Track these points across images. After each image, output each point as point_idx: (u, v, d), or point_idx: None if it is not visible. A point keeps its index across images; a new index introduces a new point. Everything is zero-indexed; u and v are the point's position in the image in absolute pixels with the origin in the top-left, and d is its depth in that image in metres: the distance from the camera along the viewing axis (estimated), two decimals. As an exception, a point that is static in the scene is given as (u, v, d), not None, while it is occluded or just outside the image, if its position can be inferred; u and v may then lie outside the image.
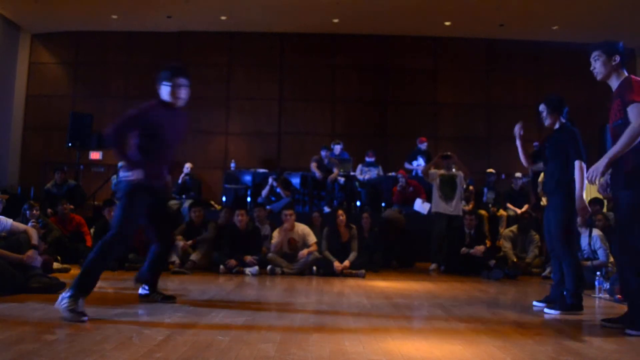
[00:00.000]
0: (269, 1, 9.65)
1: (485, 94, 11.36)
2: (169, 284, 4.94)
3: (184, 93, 3.37)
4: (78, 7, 9.92)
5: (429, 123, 11.15)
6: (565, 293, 3.75)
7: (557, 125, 3.91)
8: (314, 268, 6.01)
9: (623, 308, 3.40)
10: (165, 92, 3.36)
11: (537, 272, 6.65)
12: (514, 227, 7.14)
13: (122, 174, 3.30)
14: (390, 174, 9.29)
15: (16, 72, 10.79)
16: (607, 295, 4.66)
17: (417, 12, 9.99)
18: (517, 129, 4.10)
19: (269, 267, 5.95)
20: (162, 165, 3.42)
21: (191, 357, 2.18)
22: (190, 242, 6.24)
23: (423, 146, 9.64)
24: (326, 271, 5.96)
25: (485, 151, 11.04)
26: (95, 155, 10.73)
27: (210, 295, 4.16)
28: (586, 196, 9.32)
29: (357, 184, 9.09)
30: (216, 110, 11.20)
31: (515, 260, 6.72)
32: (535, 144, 8.73)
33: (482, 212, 8.11)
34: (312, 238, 6.26)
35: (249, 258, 5.98)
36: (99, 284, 4.66)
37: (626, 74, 3.18)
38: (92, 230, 6.80)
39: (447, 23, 10.51)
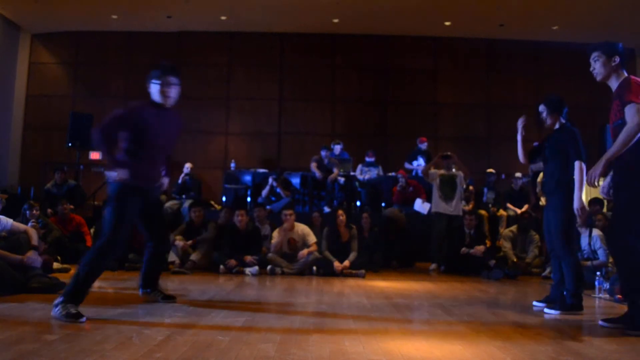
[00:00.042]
0: (269, 1, 9.66)
1: (485, 94, 11.36)
2: (169, 284, 4.93)
3: (173, 92, 3.31)
4: (78, 7, 9.93)
5: (429, 123, 11.16)
6: (565, 293, 3.75)
7: (557, 126, 3.92)
8: (314, 268, 6.01)
9: (623, 308, 3.40)
10: (154, 91, 3.29)
11: (537, 272, 6.65)
12: (513, 227, 7.14)
13: (107, 174, 3.28)
14: (390, 174, 9.29)
15: (16, 72, 10.79)
16: (607, 295, 4.66)
17: (417, 12, 9.99)
18: (520, 122, 4.08)
19: (269, 267, 5.95)
20: (151, 166, 3.34)
21: (191, 357, 2.18)
22: (190, 242, 6.24)
23: (423, 146, 9.64)
24: (326, 271, 5.96)
25: (485, 151, 11.04)
26: (95, 155, 10.72)
27: (210, 295, 4.16)
28: (586, 196, 9.34)
29: (357, 184, 9.09)
30: (216, 110, 11.21)
31: (515, 260, 6.73)
32: (535, 144, 8.72)
33: (482, 212, 8.11)
34: (312, 238, 6.26)
35: (249, 258, 5.98)
36: (99, 283, 4.67)
37: (626, 74, 3.19)
38: (92, 230, 6.81)
39: (447, 23, 10.51)
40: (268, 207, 7.76)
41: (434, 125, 11.21)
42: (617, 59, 3.18)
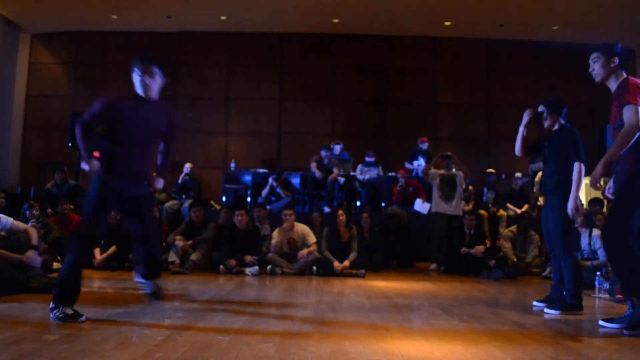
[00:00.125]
0: (269, 1, 9.65)
1: (485, 94, 11.36)
2: (169, 284, 4.94)
3: (152, 82, 3.14)
4: (78, 7, 9.92)
5: (429, 123, 11.15)
6: (565, 293, 3.76)
7: (556, 126, 3.93)
8: (314, 268, 6.01)
9: (623, 308, 3.40)
10: (136, 82, 3.16)
11: (537, 272, 6.65)
12: (513, 227, 7.14)
13: (82, 166, 3.22)
14: (390, 174, 9.28)
15: (16, 72, 10.79)
16: (607, 295, 4.66)
17: (417, 12, 9.98)
18: (527, 114, 4.06)
19: (269, 267, 5.95)
20: (130, 161, 3.12)
21: (191, 357, 2.18)
22: (190, 242, 6.24)
23: (424, 146, 9.64)
24: (326, 271, 5.96)
25: (485, 151, 11.04)
26: (95, 155, 10.71)
27: (210, 295, 4.17)
28: (586, 196, 9.34)
29: (357, 184, 9.09)
30: (216, 110, 11.20)
31: (515, 260, 6.73)
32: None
33: (482, 212, 8.11)
34: (312, 238, 6.26)
35: (249, 258, 5.98)
36: (99, 283, 4.67)
37: (625, 75, 3.19)
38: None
39: (447, 23, 10.50)
40: (268, 207, 7.76)
41: (434, 125, 11.20)
42: (617, 60, 3.18)
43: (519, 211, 7.91)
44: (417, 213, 8.06)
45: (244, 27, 11.03)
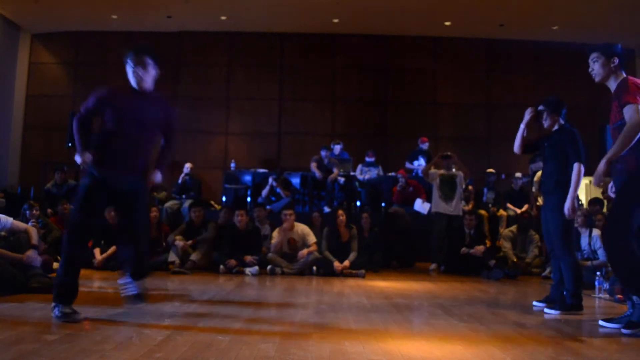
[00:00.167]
0: (269, 1, 9.65)
1: (485, 94, 11.36)
2: (169, 284, 4.94)
3: (145, 74, 3.08)
4: (78, 7, 9.92)
5: (429, 123, 11.15)
6: (565, 293, 3.76)
7: (556, 127, 3.93)
8: (314, 268, 6.01)
9: (623, 308, 3.40)
10: (129, 74, 3.11)
11: (537, 272, 6.65)
12: (513, 227, 7.14)
13: (75, 158, 3.12)
14: (390, 174, 9.28)
15: (16, 72, 10.79)
16: (607, 295, 4.66)
17: (417, 12, 9.98)
18: (529, 112, 4.05)
19: (269, 267, 5.95)
20: (121, 154, 3.06)
21: (191, 357, 2.18)
22: (190, 242, 6.24)
23: (425, 146, 9.64)
24: (326, 271, 5.96)
25: (485, 151, 11.03)
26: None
27: (210, 295, 4.17)
28: (586, 196, 9.32)
29: (357, 184, 9.09)
30: (216, 110, 11.20)
31: (515, 260, 6.73)
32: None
33: (482, 212, 8.11)
34: (311, 238, 6.26)
35: (249, 258, 5.98)
36: (99, 283, 4.67)
37: (624, 75, 3.19)
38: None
39: (447, 23, 10.50)
40: (268, 207, 7.76)
41: (434, 125, 11.20)
42: (616, 60, 3.18)
43: (519, 211, 7.92)
44: (417, 213, 8.06)
45: (244, 27, 11.03)
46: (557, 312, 3.67)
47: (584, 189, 10.77)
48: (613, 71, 3.19)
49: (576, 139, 3.76)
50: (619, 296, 4.37)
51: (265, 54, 11.35)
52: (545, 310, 3.76)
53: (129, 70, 3.11)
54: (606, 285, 4.76)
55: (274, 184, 8.30)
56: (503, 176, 9.97)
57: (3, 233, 4.19)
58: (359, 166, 9.40)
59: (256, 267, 5.90)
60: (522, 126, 4.08)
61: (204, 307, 3.55)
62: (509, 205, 8.31)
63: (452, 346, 2.58)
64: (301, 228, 6.36)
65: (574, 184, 3.66)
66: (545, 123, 3.95)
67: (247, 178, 9.40)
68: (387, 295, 4.41)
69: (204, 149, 10.92)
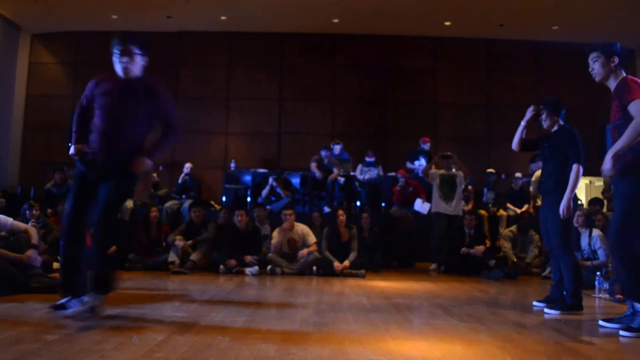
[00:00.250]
0: (269, 1, 9.65)
1: (485, 94, 11.36)
2: (169, 284, 4.95)
3: (130, 63, 3.03)
4: (78, 7, 9.92)
5: (429, 123, 11.15)
6: (565, 293, 3.76)
7: (555, 127, 3.93)
8: (314, 268, 6.01)
9: (623, 308, 3.40)
10: (115, 62, 3.06)
11: (537, 272, 6.65)
12: (513, 227, 7.14)
13: (71, 151, 3.18)
14: (390, 174, 9.28)
15: (16, 72, 10.79)
16: (607, 295, 4.66)
17: (417, 12, 9.99)
18: (530, 110, 4.04)
19: (269, 267, 5.95)
20: (103, 141, 3.03)
21: (191, 357, 2.18)
22: (190, 242, 6.24)
23: (426, 146, 9.64)
24: (326, 271, 5.96)
25: (485, 151, 11.03)
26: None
27: (210, 295, 4.17)
28: (586, 196, 9.31)
29: (357, 184, 9.09)
30: (216, 110, 11.20)
31: (515, 260, 6.73)
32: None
33: (482, 212, 8.11)
34: (311, 238, 6.26)
35: (249, 258, 5.98)
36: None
37: (624, 74, 3.19)
38: (92, 229, 6.78)
39: (447, 23, 10.51)
40: (268, 207, 7.76)
41: (434, 125, 11.20)
42: (616, 60, 3.18)
43: (519, 211, 7.92)
44: (417, 213, 8.07)
45: (244, 27, 11.03)
46: (557, 312, 3.67)
47: (584, 189, 10.78)
48: (613, 70, 3.19)
49: (576, 140, 3.76)
50: (619, 296, 4.36)
51: (265, 54, 11.35)
52: (545, 310, 3.76)
53: (115, 59, 3.05)
54: (606, 285, 4.76)
55: (274, 184, 8.30)
56: (503, 176, 9.97)
57: (3, 233, 4.19)
58: (359, 166, 9.40)
59: (256, 267, 5.90)
60: (522, 123, 4.07)
61: (204, 307, 3.55)
62: (509, 205, 8.31)
63: (452, 346, 2.58)
64: (301, 228, 6.36)
65: (571, 184, 3.67)
66: (545, 123, 3.95)
67: (247, 178, 9.41)
68: (387, 295, 4.41)
69: (204, 149, 10.93)
